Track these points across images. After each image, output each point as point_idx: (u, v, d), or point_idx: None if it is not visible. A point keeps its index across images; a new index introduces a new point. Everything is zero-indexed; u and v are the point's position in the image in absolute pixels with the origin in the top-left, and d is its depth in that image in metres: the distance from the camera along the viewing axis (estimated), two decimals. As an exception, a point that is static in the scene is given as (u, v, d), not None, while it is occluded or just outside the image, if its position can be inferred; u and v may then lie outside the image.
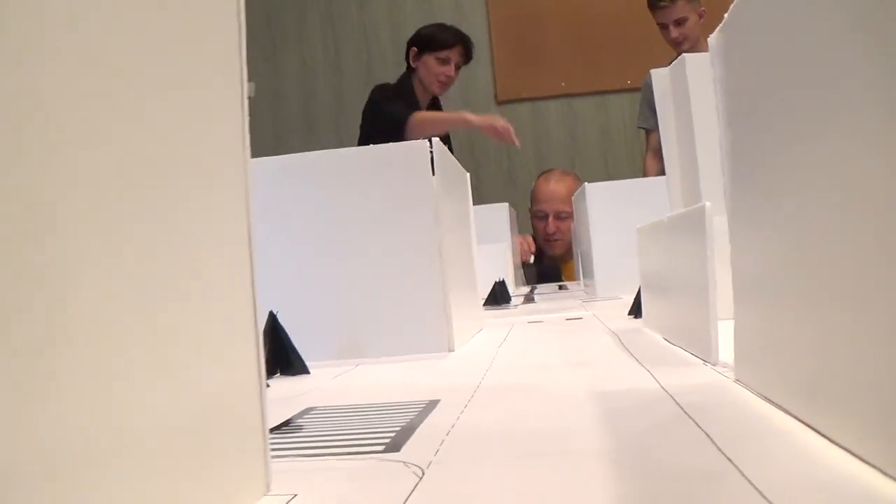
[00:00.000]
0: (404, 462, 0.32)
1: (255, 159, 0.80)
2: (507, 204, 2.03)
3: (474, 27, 3.63)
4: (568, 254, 2.42)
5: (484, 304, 1.39)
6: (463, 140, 3.59)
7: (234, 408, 0.28)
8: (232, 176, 0.29)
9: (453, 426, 0.38)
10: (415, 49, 2.32)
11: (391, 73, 3.70)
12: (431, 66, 2.28)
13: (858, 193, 0.26)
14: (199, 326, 0.26)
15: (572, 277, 2.32)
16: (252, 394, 0.29)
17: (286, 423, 0.43)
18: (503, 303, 1.42)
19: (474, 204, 1.99)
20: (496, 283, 1.44)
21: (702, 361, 0.51)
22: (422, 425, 0.39)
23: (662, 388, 0.44)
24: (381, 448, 0.35)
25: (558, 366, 0.57)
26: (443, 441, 0.35)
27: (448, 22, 3.66)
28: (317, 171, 0.75)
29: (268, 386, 0.62)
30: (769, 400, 0.36)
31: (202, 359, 0.26)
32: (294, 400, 0.52)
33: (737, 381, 0.43)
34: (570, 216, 2.25)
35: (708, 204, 0.50)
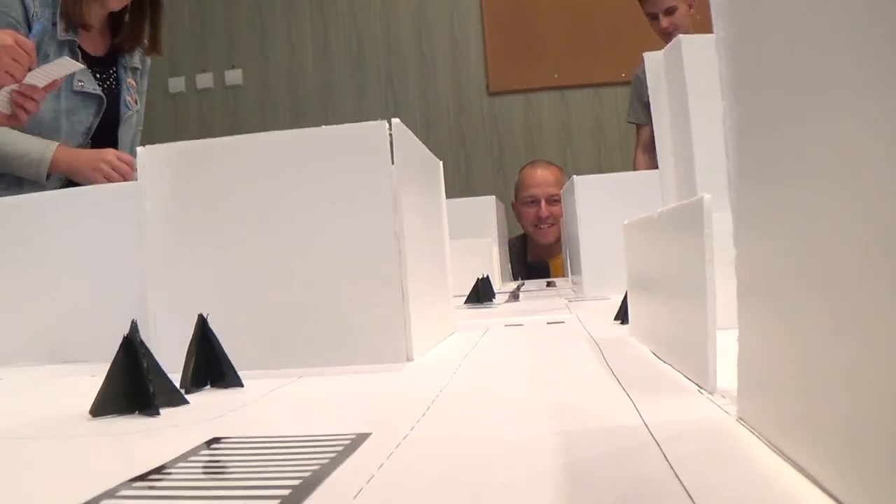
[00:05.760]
0: (281, 546, 0.23)
1: (184, 143, 0.69)
2: (493, 197, 1.93)
3: (468, 17, 3.54)
4: (556, 248, 2.34)
5: (465, 302, 1.31)
6: (453, 129, 3.50)
7: None
8: None
9: (370, 480, 0.29)
10: None
11: (381, 60, 3.61)
12: None
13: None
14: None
15: (560, 274, 2.24)
16: None
17: (174, 463, 0.34)
18: (486, 300, 1.33)
19: (464, 195, 1.91)
20: (479, 280, 1.35)
21: (696, 387, 0.43)
22: (331, 476, 0.30)
23: (646, 426, 0.35)
24: (263, 516, 0.26)
25: (525, 386, 0.48)
26: (347, 508, 0.26)
27: (440, 11, 3.57)
28: (256, 157, 0.64)
29: (186, 402, 0.54)
30: (785, 455, 0.27)
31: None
32: (210, 423, 0.44)
33: (739, 419, 0.34)
34: (560, 202, 2.18)
35: (707, 196, 0.41)
